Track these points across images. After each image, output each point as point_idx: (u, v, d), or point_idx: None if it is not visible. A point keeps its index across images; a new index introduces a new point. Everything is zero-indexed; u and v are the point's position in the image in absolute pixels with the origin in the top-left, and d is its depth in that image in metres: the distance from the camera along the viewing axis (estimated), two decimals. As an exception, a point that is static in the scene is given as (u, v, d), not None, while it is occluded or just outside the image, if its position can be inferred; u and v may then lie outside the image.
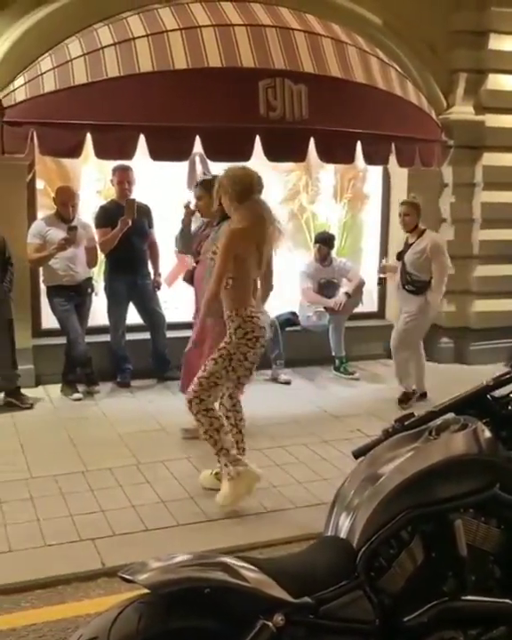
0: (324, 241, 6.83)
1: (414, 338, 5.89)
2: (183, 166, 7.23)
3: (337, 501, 2.24)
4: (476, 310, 7.29)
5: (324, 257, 6.83)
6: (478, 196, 7.14)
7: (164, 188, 7.18)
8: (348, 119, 5.70)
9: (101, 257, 6.45)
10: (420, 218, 5.82)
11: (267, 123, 5.42)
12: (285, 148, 5.54)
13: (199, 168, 7.32)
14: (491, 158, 7.04)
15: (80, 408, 5.71)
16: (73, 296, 5.90)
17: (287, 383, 6.44)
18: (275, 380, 6.52)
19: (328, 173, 7.38)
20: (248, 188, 3.82)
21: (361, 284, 6.91)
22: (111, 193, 6.54)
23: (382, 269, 6.32)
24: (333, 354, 6.78)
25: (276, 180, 7.39)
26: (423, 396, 5.98)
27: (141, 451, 4.75)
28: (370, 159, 5.92)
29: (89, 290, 6.11)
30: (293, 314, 7.12)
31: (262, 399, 5.94)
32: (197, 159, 7.08)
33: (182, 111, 5.31)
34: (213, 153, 5.39)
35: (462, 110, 7.00)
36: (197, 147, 5.51)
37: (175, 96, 5.31)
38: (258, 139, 5.43)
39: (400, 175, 7.22)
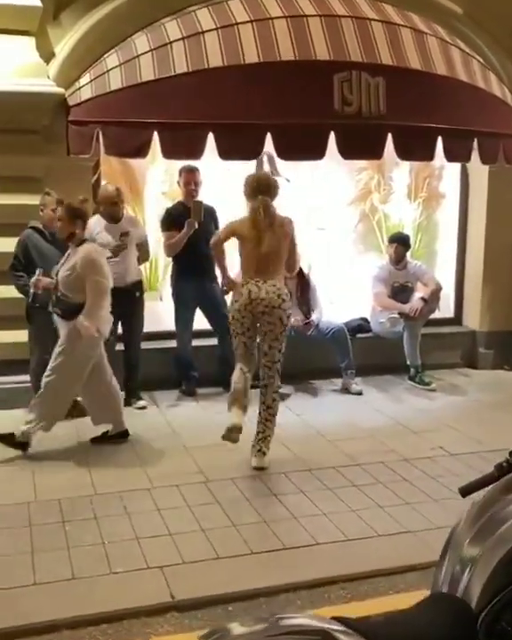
0: (401, 241, 6.48)
1: (65, 375, 4.61)
2: (251, 166, 6.99)
3: (449, 550, 1.92)
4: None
5: (399, 258, 6.48)
6: None
7: (231, 189, 6.94)
8: (428, 113, 5.35)
9: (167, 260, 6.25)
10: (81, 225, 4.61)
11: (342, 118, 5.12)
12: (361, 145, 5.23)
13: (267, 168, 7.05)
14: None
15: (145, 418, 5.49)
16: (122, 300, 5.56)
17: (359, 394, 6.11)
18: (346, 390, 6.19)
19: (402, 172, 7.02)
20: (254, 189, 4.51)
21: (438, 290, 6.53)
22: (177, 194, 6.33)
23: (35, 284, 4.82)
24: (408, 362, 6.41)
25: (346, 179, 7.08)
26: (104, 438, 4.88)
27: (210, 467, 4.49)
28: (451, 156, 5.54)
29: (138, 294, 5.76)
30: (364, 320, 6.79)
31: (334, 411, 5.66)
32: (265, 159, 6.80)
33: (253, 107, 5.05)
34: (285, 151, 5.11)
35: (547, 103, 6.56)
36: (267, 145, 5.23)
37: (245, 92, 5.06)
38: (332, 135, 5.12)
39: (479, 173, 6.81)
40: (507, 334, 7.00)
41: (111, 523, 3.77)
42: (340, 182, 7.12)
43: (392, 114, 5.21)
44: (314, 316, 6.30)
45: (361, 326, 6.69)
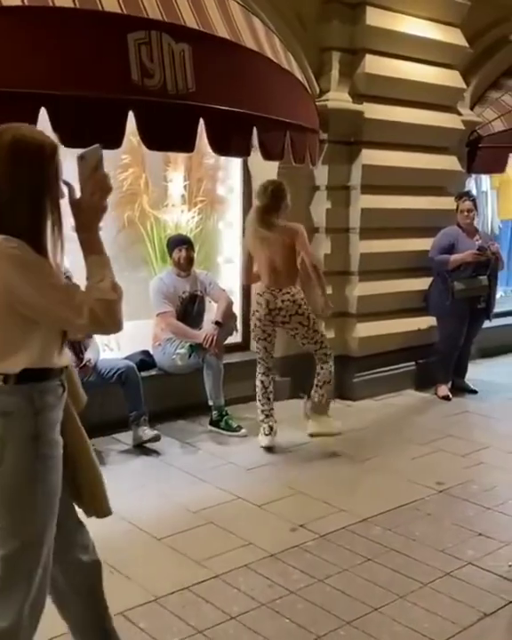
0: (187, 243, 5.34)
1: None
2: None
3: None
4: (357, 335, 6.15)
5: (189, 263, 5.34)
6: (357, 200, 6.00)
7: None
8: (241, 96, 4.19)
9: None
10: None
11: (142, 94, 3.72)
12: (170, 132, 3.87)
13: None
14: (371, 156, 5.93)
15: None
16: None
17: (156, 440, 4.76)
18: (140, 445, 4.81)
19: (175, 171, 5.81)
20: (256, 195, 4.89)
21: (229, 305, 5.45)
22: None
23: None
24: (210, 403, 5.23)
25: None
26: None
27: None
28: (267, 152, 4.41)
29: None
30: (146, 353, 5.46)
31: (140, 485, 4.22)
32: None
33: (17, 70, 3.44)
34: (68, 134, 3.52)
35: (337, 97, 5.81)
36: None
37: (6, 47, 3.43)
38: (131, 116, 3.72)
39: (263, 175, 5.85)
40: (300, 358, 6.15)
41: None
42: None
43: (202, 93, 3.94)
44: (89, 356, 4.82)
45: (144, 362, 5.33)
